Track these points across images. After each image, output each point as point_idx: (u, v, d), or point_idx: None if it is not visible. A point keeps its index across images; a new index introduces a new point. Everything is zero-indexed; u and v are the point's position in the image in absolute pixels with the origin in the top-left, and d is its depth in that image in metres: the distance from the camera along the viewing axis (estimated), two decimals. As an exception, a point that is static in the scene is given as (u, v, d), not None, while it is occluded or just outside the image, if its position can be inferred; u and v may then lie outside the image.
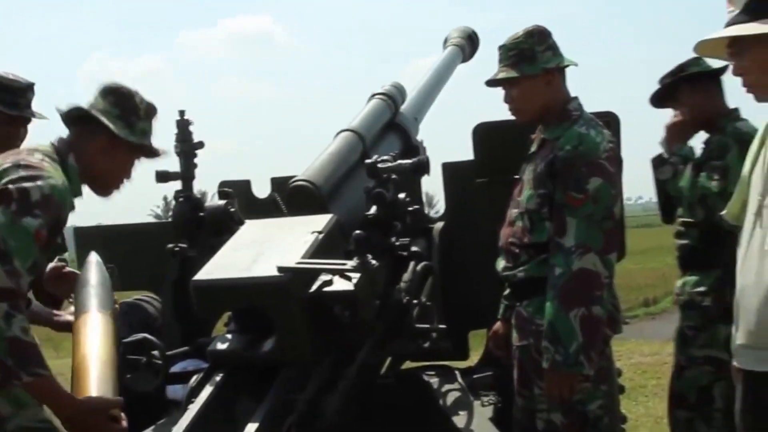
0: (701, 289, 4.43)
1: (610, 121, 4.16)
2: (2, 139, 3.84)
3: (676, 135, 4.50)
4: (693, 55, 3.18)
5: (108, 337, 3.07)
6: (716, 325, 4.34)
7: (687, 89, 4.54)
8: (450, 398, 4.00)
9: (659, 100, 4.70)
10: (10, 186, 2.76)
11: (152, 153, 3.23)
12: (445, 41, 6.29)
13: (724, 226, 4.31)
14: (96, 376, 2.87)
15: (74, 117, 3.13)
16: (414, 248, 4.13)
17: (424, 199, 5.48)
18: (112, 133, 3.06)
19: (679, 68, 4.62)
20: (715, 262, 4.36)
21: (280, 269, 3.48)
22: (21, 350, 2.62)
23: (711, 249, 4.41)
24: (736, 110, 4.54)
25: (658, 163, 4.48)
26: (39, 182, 2.79)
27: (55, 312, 3.62)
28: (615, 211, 3.41)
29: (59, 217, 2.90)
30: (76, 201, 3.09)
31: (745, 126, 4.40)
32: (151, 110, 3.21)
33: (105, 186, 3.21)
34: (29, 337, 2.65)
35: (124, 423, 2.82)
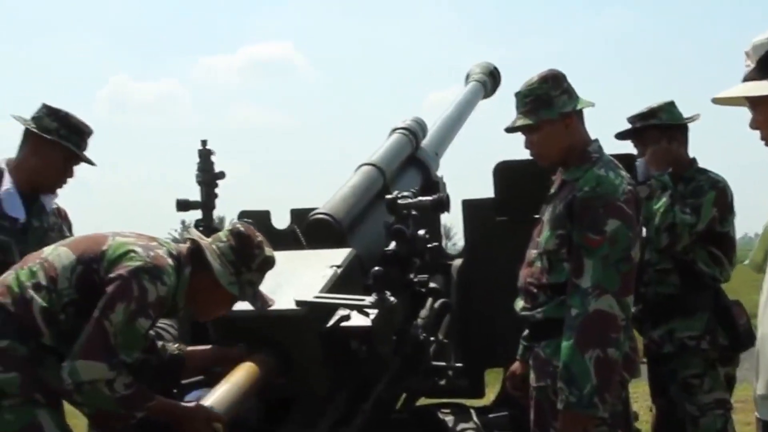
0: (693, 333, 4.45)
1: (630, 163, 4.18)
2: (57, 174, 4.05)
3: (659, 161, 4.57)
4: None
5: (254, 370, 3.37)
6: (716, 368, 4.46)
7: (655, 135, 4.63)
8: None
9: (624, 137, 4.81)
10: (134, 282, 2.96)
11: (250, 302, 3.33)
12: (467, 77, 6.31)
13: (696, 269, 4.43)
14: (220, 392, 3.21)
15: (192, 242, 3.27)
16: (432, 285, 4.14)
17: (441, 230, 5.48)
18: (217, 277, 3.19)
19: (650, 113, 4.69)
20: (699, 306, 4.47)
21: (298, 303, 3.49)
22: (129, 401, 2.93)
23: (691, 294, 4.49)
24: (694, 160, 4.67)
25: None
26: (158, 285, 3.00)
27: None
28: (632, 253, 3.40)
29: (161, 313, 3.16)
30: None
31: (715, 174, 4.57)
32: (265, 264, 3.30)
33: (201, 315, 3.42)
34: (131, 388, 2.92)
35: None
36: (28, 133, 4.01)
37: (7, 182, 3.95)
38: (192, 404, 3.14)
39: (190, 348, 3.61)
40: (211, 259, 3.19)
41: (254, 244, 3.27)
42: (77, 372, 2.85)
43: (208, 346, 3.64)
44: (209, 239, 3.31)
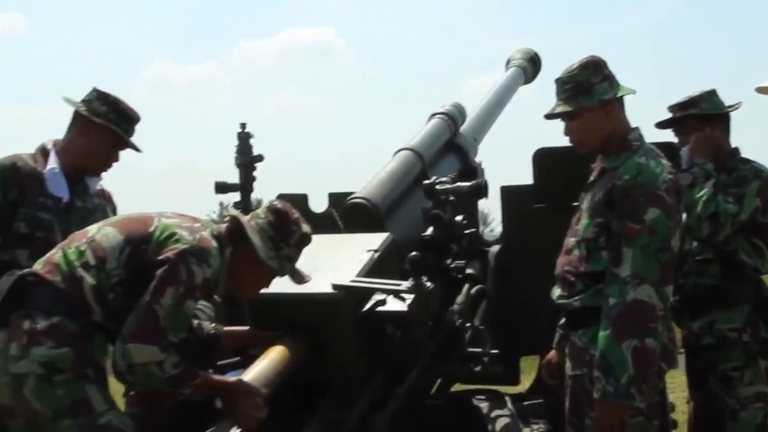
0: (735, 325, 4.39)
1: (672, 151, 4.13)
2: (103, 158, 4.09)
3: (703, 148, 4.50)
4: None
5: (289, 351, 3.41)
6: (757, 360, 4.40)
7: (696, 125, 4.57)
8: (499, 424, 3.96)
9: (664, 126, 4.77)
10: (182, 266, 3.02)
11: (289, 276, 3.39)
12: (508, 62, 6.27)
13: (738, 260, 4.37)
14: (258, 369, 3.29)
15: (232, 220, 3.34)
16: (469, 271, 4.12)
17: (479, 216, 5.46)
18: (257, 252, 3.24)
19: (690, 102, 4.64)
20: (740, 298, 4.41)
21: (335, 286, 3.50)
22: (177, 380, 3.00)
23: (733, 285, 4.43)
24: (737, 149, 4.62)
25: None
26: (204, 267, 3.06)
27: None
28: (672, 243, 3.36)
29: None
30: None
31: (759, 164, 4.52)
32: (303, 240, 3.37)
33: (238, 291, 3.46)
34: (179, 367, 2.99)
35: (263, 413, 3.15)
36: (77, 116, 4.05)
37: (53, 162, 4.01)
38: (233, 379, 3.21)
39: (226, 328, 3.65)
40: (251, 234, 3.25)
41: (292, 220, 3.34)
42: (130, 354, 2.92)
43: (245, 327, 3.68)
44: (247, 216, 3.36)
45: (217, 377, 3.24)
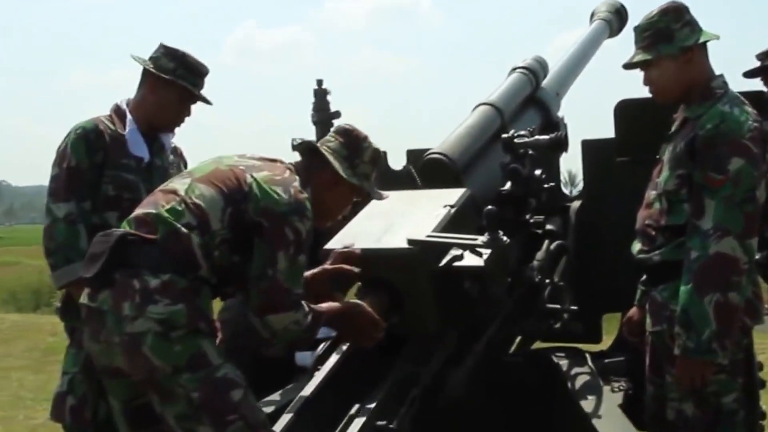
0: None
1: (760, 100, 3.99)
2: (174, 113, 4.14)
3: None
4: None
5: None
6: None
7: None
8: (579, 381, 3.90)
9: (752, 75, 4.69)
10: (286, 228, 3.06)
11: (368, 196, 3.47)
12: (592, 15, 6.11)
13: None
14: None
15: (305, 149, 3.39)
16: (549, 226, 4.06)
17: (566, 177, 5.38)
18: (337, 171, 3.30)
19: None
20: None
21: (411, 242, 3.48)
22: (312, 326, 3.12)
23: None
24: None
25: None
26: (305, 221, 3.11)
27: None
28: (757, 193, 3.25)
29: None
30: None
31: None
32: (375, 156, 3.43)
33: (323, 218, 3.43)
34: (309, 315, 3.10)
35: (381, 333, 3.34)
36: (146, 73, 4.09)
37: (130, 122, 4.06)
38: (353, 302, 3.38)
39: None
40: (328, 155, 3.31)
41: (362, 138, 3.40)
42: (271, 324, 3.04)
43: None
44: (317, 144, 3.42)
45: (335, 304, 3.34)
